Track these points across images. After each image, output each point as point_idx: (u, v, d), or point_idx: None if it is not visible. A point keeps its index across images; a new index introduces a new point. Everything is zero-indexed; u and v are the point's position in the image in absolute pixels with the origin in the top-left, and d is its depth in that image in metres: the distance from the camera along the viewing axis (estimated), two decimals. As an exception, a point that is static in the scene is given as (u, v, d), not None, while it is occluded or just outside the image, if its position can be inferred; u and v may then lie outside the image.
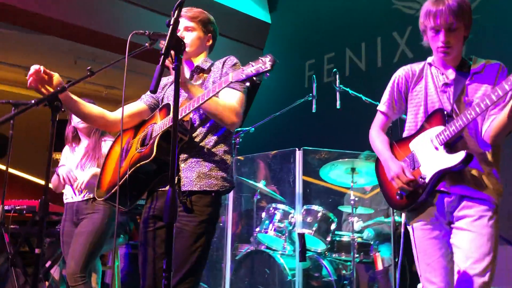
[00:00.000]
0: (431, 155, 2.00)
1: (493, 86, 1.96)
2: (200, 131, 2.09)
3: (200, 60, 2.24)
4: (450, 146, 1.96)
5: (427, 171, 1.99)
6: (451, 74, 2.08)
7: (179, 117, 1.93)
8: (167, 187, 1.98)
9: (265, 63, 1.68)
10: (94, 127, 3.35)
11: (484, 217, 1.92)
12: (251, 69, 1.70)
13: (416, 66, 2.22)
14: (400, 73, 2.24)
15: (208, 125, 2.10)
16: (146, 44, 1.89)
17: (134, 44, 1.83)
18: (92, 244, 3.08)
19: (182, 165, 2.05)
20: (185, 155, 2.06)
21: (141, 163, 1.96)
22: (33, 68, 1.99)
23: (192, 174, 2.02)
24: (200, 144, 2.07)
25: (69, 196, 3.31)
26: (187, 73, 2.24)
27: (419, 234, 2.06)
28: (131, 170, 1.99)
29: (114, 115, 2.26)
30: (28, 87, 1.99)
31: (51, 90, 1.98)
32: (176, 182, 1.92)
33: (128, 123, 2.25)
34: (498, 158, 2.01)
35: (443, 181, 1.98)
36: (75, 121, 3.34)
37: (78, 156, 3.34)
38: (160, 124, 2.03)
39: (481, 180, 1.96)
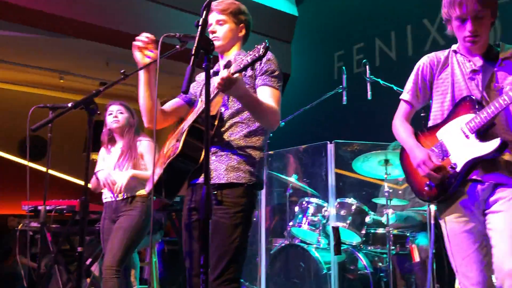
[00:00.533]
0: (461, 144, 1.95)
1: None
2: (230, 124, 2.12)
3: (232, 54, 2.23)
4: (481, 133, 1.91)
5: (458, 160, 1.94)
6: (478, 61, 2.02)
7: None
8: (201, 179, 2.06)
9: (259, 50, 1.71)
10: (126, 127, 3.44)
11: None
12: (247, 58, 1.74)
13: (441, 54, 2.17)
14: (425, 61, 2.20)
15: (238, 119, 2.12)
16: (177, 46, 1.92)
17: (165, 44, 1.86)
18: (129, 239, 3.17)
19: (212, 158, 2.07)
20: (215, 148, 2.09)
21: (171, 159, 2.04)
22: (146, 36, 2.14)
23: (221, 167, 2.06)
24: (230, 137, 2.10)
25: (108, 196, 3.41)
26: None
27: (452, 227, 1.99)
28: (165, 165, 2.07)
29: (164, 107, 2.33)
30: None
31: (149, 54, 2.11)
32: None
33: (169, 118, 2.32)
34: None
35: (475, 169, 1.93)
36: (109, 123, 3.44)
37: (114, 157, 3.44)
38: (189, 119, 2.10)
39: None
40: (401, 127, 2.19)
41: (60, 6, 5.10)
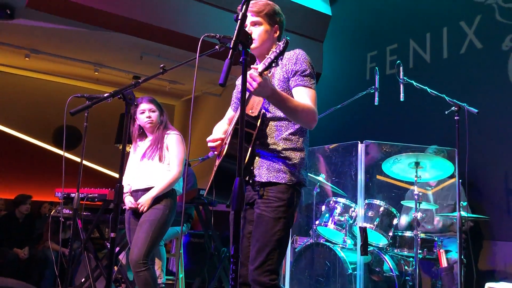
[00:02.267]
0: None
1: None
2: (271, 126, 2.17)
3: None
4: None
5: None
6: None
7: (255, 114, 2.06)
8: (247, 178, 2.13)
9: (280, 46, 1.79)
10: (158, 124, 3.51)
11: None
12: (270, 56, 1.80)
13: None
14: None
15: (278, 121, 2.17)
16: (216, 47, 1.95)
17: (199, 40, 1.88)
18: (155, 232, 3.21)
19: (256, 158, 2.15)
20: (258, 150, 2.15)
21: (219, 161, 2.12)
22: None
23: (263, 167, 2.13)
24: (271, 139, 2.15)
25: (134, 185, 3.45)
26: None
27: None
28: (215, 168, 2.16)
29: (225, 124, 2.47)
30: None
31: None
32: (249, 174, 2.12)
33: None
34: None
35: None
36: (142, 121, 3.49)
37: (143, 148, 3.50)
38: (233, 122, 2.19)
39: None
40: None
41: (97, 0, 5.22)
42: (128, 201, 3.36)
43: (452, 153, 4.06)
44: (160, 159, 3.40)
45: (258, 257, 2.03)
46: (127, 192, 3.44)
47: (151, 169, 3.39)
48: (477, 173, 4.41)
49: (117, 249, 4.27)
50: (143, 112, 3.50)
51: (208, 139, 2.24)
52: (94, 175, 8.89)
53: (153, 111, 3.51)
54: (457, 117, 3.46)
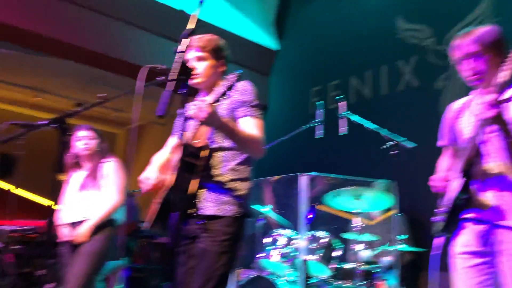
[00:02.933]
0: None
1: None
2: (217, 157, 2.15)
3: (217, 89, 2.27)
4: None
5: None
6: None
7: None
8: (191, 210, 2.06)
9: (230, 80, 1.87)
10: (96, 152, 3.39)
11: None
12: (219, 88, 1.87)
13: None
14: None
15: (226, 151, 2.15)
16: (159, 78, 1.93)
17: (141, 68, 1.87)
18: (91, 267, 3.06)
19: (201, 190, 2.10)
20: (204, 181, 2.11)
21: (165, 193, 2.08)
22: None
23: (209, 200, 2.10)
24: (218, 171, 2.13)
25: (70, 218, 3.29)
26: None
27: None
28: (161, 200, 2.10)
29: (167, 154, 2.37)
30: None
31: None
32: (194, 207, 2.05)
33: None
34: None
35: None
36: (79, 148, 3.37)
37: (80, 179, 3.36)
38: (178, 153, 2.12)
39: None
40: None
41: (40, 24, 5.08)
42: (65, 233, 3.20)
43: (392, 186, 4.20)
44: (97, 189, 3.27)
45: None
46: (63, 225, 3.27)
47: (89, 200, 3.26)
48: (416, 205, 4.56)
49: (52, 285, 4.02)
50: (80, 140, 3.37)
51: (141, 178, 2.16)
52: (31, 206, 8.42)
53: (91, 139, 3.40)
54: (396, 151, 3.60)
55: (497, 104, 1.76)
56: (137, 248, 4.63)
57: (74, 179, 3.40)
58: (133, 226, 4.33)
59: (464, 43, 2.03)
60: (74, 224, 3.22)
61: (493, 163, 1.96)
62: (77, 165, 3.45)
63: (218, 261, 2.02)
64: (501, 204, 1.92)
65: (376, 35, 5.70)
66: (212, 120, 1.86)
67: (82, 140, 3.37)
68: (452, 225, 2.03)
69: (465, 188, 1.94)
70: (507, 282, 1.89)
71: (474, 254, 2.01)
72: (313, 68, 6.46)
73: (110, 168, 3.34)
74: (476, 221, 1.99)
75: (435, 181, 2.11)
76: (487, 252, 1.97)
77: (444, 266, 2.15)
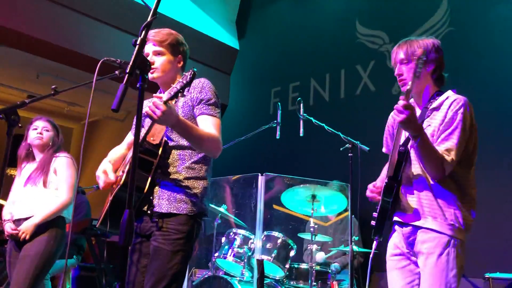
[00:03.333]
0: None
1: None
2: (174, 155, 2.12)
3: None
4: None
5: None
6: (417, 111, 2.18)
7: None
8: (145, 208, 2.03)
9: (186, 77, 1.81)
10: (49, 145, 3.25)
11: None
12: (176, 85, 1.82)
13: None
14: None
15: (181, 150, 2.13)
16: (116, 72, 1.87)
17: (104, 64, 1.81)
18: (37, 268, 2.92)
19: (156, 188, 2.07)
20: (159, 179, 2.09)
21: (115, 190, 2.01)
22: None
23: (164, 197, 2.06)
24: (173, 168, 2.10)
25: (15, 213, 3.13)
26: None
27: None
28: (111, 197, 2.04)
29: (123, 149, 2.33)
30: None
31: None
32: (148, 204, 2.03)
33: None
34: None
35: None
36: (32, 137, 3.23)
37: (28, 172, 3.21)
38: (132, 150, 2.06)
39: None
40: None
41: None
42: (8, 227, 3.05)
43: (346, 188, 4.28)
44: (45, 184, 3.12)
45: None
46: (7, 220, 3.11)
47: (34, 196, 3.10)
48: (369, 208, 4.66)
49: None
50: (35, 129, 3.24)
51: (97, 173, 2.11)
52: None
53: (47, 130, 3.26)
54: (351, 154, 3.67)
55: (405, 109, 1.83)
56: (88, 247, 4.49)
57: (24, 173, 3.24)
58: (85, 224, 4.20)
59: (398, 50, 2.15)
60: (19, 221, 3.07)
61: (414, 167, 2.04)
62: (28, 157, 3.30)
63: (171, 260, 1.98)
64: (419, 206, 1.99)
65: (336, 39, 5.80)
66: (166, 119, 1.82)
67: (37, 129, 3.23)
68: (383, 228, 2.09)
69: (388, 192, 2.00)
70: (423, 281, 1.96)
71: (403, 255, 2.08)
72: (274, 69, 6.50)
73: (61, 163, 3.20)
74: (400, 223, 2.07)
75: (369, 189, 2.16)
76: (414, 253, 2.03)
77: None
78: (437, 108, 2.03)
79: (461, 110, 1.94)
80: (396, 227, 2.12)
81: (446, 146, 1.92)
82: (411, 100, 2.14)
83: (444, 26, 4.75)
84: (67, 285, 4.15)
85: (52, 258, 3.03)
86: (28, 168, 3.26)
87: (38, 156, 3.28)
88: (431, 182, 1.99)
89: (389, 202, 2.02)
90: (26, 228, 2.97)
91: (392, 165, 2.03)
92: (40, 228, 3.01)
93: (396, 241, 2.13)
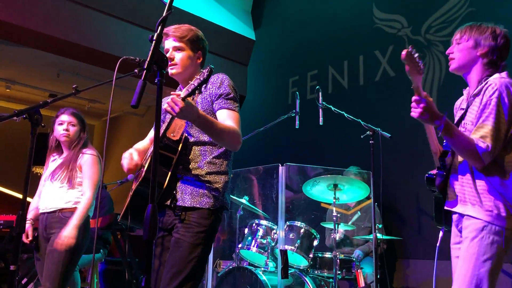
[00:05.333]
0: None
1: None
2: (194, 150, 2.14)
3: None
4: None
5: None
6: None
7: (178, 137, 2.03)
8: (168, 202, 2.05)
9: (203, 74, 1.82)
10: (76, 140, 3.28)
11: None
12: (194, 82, 1.82)
13: None
14: None
15: (203, 145, 2.14)
16: (135, 70, 1.89)
17: (119, 59, 1.82)
18: (66, 261, 2.97)
19: (178, 183, 2.10)
20: (182, 174, 2.11)
21: (136, 185, 2.03)
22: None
23: (187, 192, 2.08)
24: (194, 164, 2.11)
25: (41, 207, 3.19)
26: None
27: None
28: (132, 192, 2.06)
29: (146, 144, 2.35)
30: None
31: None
32: (172, 198, 2.06)
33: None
34: None
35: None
36: (58, 133, 3.27)
37: (55, 166, 3.26)
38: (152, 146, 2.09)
39: None
40: None
41: (11, 14, 4.92)
42: (27, 231, 3.14)
43: (368, 176, 4.24)
44: (70, 180, 3.16)
45: (172, 283, 1.96)
46: (29, 220, 3.18)
47: (58, 191, 3.16)
48: (391, 195, 4.63)
49: (25, 280, 3.95)
50: (61, 124, 3.25)
51: (124, 155, 2.13)
52: (4, 199, 8.24)
53: (73, 125, 3.27)
54: (372, 141, 3.63)
55: (418, 104, 1.87)
56: (114, 241, 4.57)
57: (51, 166, 3.29)
58: (110, 219, 4.26)
59: (457, 32, 2.14)
60: (44, 215, 3.14)
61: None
62: (57, 149, 3.34)
63: (192, 252, 2.00)
64: (461, 192, 2.00)
65: (353, 24, 5.71)
66: (185, 114, 1.83)
67: (63, 125, 3.24)
68: (442, 218, 2.10)
69: (430, 183, 2.05)
70: (458, 267, 1.96)
71: (458, 244, 2.07)
72: (291, 58, 6.45)
73: (87, 161, 3.24)
74: (450, 212, 2.07)
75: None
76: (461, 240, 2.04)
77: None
78: (478, 94, 2.01)
79: (495, 94, 1.91)
80: (453, 216, 2.13)
81: (481, 133, 1.90)
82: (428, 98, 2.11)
83: (465, 7, 4.63)
84: (95, 279, 4.23)
85: (79, 251, 3.09)
86: (56, 161, 3.31)
87: (65, 150, 3.32)
88: (473, 168, 1.98)
89: (438, 193, 2.05)
90: (67, 235, 3.00)
91: (437, 155, 2.07)
92: (64, 223, 3.06)
93: (453, 230, 2.12)
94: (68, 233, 2.99)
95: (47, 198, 3.16)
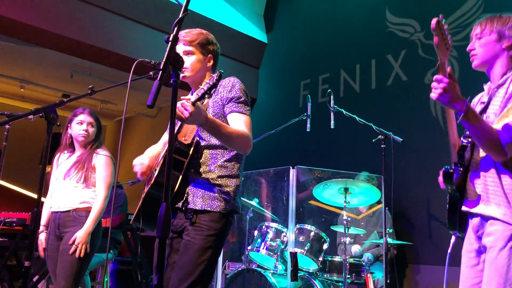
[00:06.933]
0: None
1: None
2: (206, 154, 2.14)
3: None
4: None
5: None
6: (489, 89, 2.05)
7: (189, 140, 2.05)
8: (179, 203, 2.07)
9: (213, 79, 1.81)
10: (92, 141, 3.31)
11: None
12: (203, 86, 1.82)
13: None
14: None
15: (214, 149, 2.15)
16: (150, 73, 1.91)
17: (133, 60, 1.84)
18: (79, 261, 3.01)
19: (189, 187, 2.11)
20: (193, 177, 2.12)
21: (147, 188, 2.05)
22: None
23: (198, 195, 2.09)
24: (206, 168, 2.12)
25: (54, 205, 3.21)
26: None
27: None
28: (143, 195, 2.08)
29: (159, 148, 2.37)
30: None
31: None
32: (184, 200, 2.07)
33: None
34: None
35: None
36: (77, 132, 3.28)
37: (68, 166, 3.28)
38: (165, 149, 2.15)
39: None
40: None
41: (25, 14, 4.99)
42: (40, 242, 3.18)
43: (379, 180, 4.23)
44: (85, 180, 3.19)
45: (180, 285, 1.96)
46: (43, 227, 3.23)
47: (73, 190, 3.18)
48: (402, 199, 4.61)
49: (36, 277, 3.99)
50: (81, 123, 3.27)
51: (134, 162, 2.15)
52: (17, 198, 8.32)
53: (92, 126, 3.30)
54: (383, 145, 3.62)
55: (442, 80, 1.66)
56: (124, 241, 4.60)
57: (62, 166, 3.31)
58: (121, 219, 4.29)
59: (477, 26, 1.99)
60: (57, 213, 3.17)
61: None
62: (70, 147, 3.35)
63: (201, 255, 2.00)
64: (484, 191, 1.82)
65: (366, 28, 5.70)
66: (195, 119, 1.83)
67: (83, 125, 3.26)
68: (456, 221, 1.91)
69: (447, 178, 1.85)
70: (483, 279, 1.77)
71: (474, 252, 1.89)
72: (303, 61, 6.45)
73: (101, 161, 3.26)
74: (470, 214, 1.89)
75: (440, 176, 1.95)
76: (484, 248, 1.83)
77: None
78: (502, 84, 1.87)
79: None
80: (470, 220, 1.92)
81: (505, 122, 1.73)
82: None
83: (479, 12, 4.60)
84: (105, 278, 4.26)
85: (92, 251, 3.11)
86: (66, 160, 3.32)
87: (79, 149, 3.33)
88: (497, 164, 1.79)
89: (454, 190, 1.86)
90: (81, 239, 3.04)
91: (455, 148, 1.89)
92: (79, 224, 3.09)
93: (469, 236, 1.91)
94: (81, 238, 3.03)
95: (61, 197, 3.18)
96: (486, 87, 2.04)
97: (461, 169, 1.86)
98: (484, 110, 1.92)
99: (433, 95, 1.68)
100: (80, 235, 3.03)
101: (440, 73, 1.68)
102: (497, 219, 1.75)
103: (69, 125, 3.31)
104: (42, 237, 3.19)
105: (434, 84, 1.68)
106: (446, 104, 1.71)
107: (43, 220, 3.26)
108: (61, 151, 3.37)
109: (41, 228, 3.22)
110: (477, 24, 1.99)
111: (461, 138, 1.91)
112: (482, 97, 2.03)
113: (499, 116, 1.78)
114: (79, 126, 3.26)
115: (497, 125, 1.75)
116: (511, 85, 1.81)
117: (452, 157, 1.92)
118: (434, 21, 1.67)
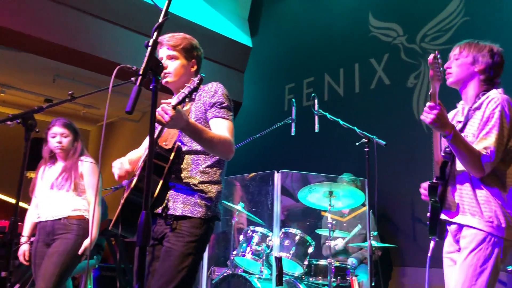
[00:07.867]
0: None
1: None
2: (187, 159, 2.12)
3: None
4: None
5: None
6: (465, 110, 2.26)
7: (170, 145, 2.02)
8: (159, 209, 2.04)
9: (194, 82, 1.81)
10: (71, 151, 3.29)
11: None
12: (184, 90, 1.82)
13: None
14: None
15: (195, 154, 2.13)
16: (132, 78, 1.89)
17: (117, 64, 1.81)
18: (64, 265, 3.01)
19: (170, 192, 2.08)
20: (173, 182, 2.09)
21: (127, 194, 2.03)
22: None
23: (178, 200, 2.06)
24: (187, 173, 2.10)
25: (42, 215, 3.21)
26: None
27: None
28: (123, 201, 2.05)
29: (140, 153, 2.34)
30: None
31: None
32: (163, 206, 2.04)
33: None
34: None
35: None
36: (52, 145, 3.28)
37: (54, 175, 3.27)
38: (145, 153, 2.14)
39: None
40: None
41: (6, 18, 4.91)
42: (23, 252, 3.20)
43: (362, 183, 4.24)
44: (76, 188, 3.22)
45: None
46: (26, 237, 3.23)
47: (64, 199, 3.19)
48: (386, 202, 4.63)
49: (17, 286, 3.92)
50: (54, 136, 3.27)
51: (114, 163, 2.11)
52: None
53: (65, 136, 3.29)
54: (367, 149, 3.64)
55: (431, 109, 1.90)
56: (108, 247, 4.54)
57: (47, 176, 3.29)
58: (104, 225, 4.23)
59: (456, 47, 2.21)
60: (47, 223, 3.15)
61: (459, 164, 2.08)
62: (52, 159, 3.35)
63: (182, 262, 1.97)
64: (461, 202, 2.04)
65: (349, 32, 5.74)
66: (175, 123, 1.82)
67: (56, 137, 3.26)
68: (437, 228, 2.13)
69: (432, 192, 2.08)
70: (455, 278, 1.98)
71: (453, 253, 2.11)
72: (288, 65, 6.47)
73: (87, 169, 3.28)
74: (448, 222, 2.10)
75: (421, 191, 2.19)
76: (459, 250, 2.05)
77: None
78: (478, 108, 2.08)
79: (498, 108, 1.98)
80: (448, 226, 2.15)
81: (484, 144, 1.96)
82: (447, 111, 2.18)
83: (459, 16, 4.67)
84: (88, 285, 4.20)
85: (79, 256, 3.11)
86: (50, 171, 3.31)
87: (61, 160, 3.34)
88: (472, 178, 2.03)
89: (436, 201, 2.08)
90: (88, 247, 3.12)
91: (438, 165, 2.12)
92: (67, 228, 3.08)
93: (449, 239, 2.15)
94: (89, 247, 3.12)
95: (50, 206, 3.19)
96: (460, 106, 2.28)
97: (442, 182, 2.11)
98: (461, 129, 2.13)
99: (426, 119, 1.93)
100: (87, 245, 3.11)
101: (431, 100, 1.93)
102: (472, 227, 1.99)
103: (47, 138, 3.33)
104: (25, 247, 3.16)
105: (426, 109, 1.92)
106: (437, 129, 1.97)
107: (26, 230, 3.25)
108: (44, 164, 3.36)
109: (24, 239, 3.20)
110: (456, 46, 2.22)
111: (441, 153, 2.14)
112: (457, 115, 2.27)
113: (478, 137, 2.01)
114: (53, 139, 3.28)
115: (477, 146, 1.98)
116: (487, 110, 2.02)
117: (434, 171, 2.16)
118: (431, 57, 1.92)
